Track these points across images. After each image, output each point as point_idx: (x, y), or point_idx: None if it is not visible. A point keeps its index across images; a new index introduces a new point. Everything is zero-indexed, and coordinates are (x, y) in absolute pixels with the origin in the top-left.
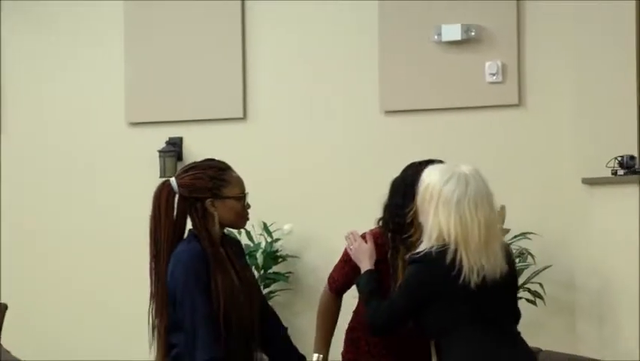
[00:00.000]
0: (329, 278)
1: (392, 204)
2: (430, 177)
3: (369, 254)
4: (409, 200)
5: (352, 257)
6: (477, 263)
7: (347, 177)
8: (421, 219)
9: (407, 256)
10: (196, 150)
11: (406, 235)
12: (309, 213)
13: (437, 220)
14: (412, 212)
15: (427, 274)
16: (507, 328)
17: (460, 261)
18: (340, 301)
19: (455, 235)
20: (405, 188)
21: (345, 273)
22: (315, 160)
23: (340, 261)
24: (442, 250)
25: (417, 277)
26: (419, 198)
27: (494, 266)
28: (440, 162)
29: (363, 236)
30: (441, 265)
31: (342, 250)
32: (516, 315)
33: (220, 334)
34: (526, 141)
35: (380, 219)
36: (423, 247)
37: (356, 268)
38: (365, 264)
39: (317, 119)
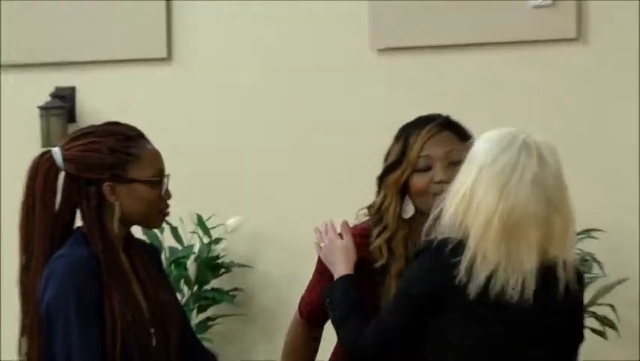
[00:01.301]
0: (300, 300)
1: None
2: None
3: (344, 254)
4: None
5: (322, 258)
6: (487, 263)
7: (322, 144)
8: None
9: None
10: (95, 105)
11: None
12: (266, 201)
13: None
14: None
15: (429, 269)
16: None
17: (464, 255)
18: (318, 333)
19: (456, 209)
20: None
21: (320, 290)
22: (274, 120)
23: (314, 273)
24: (446, 238)
25: (415, 272)
26: None
27: (517, 280)
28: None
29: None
30: (444, 257)
31: (317, 257)
32: None
33: None
34: (587, 90)
35: (369, 207)
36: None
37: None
38: (340, 267)
39: (275, 60)
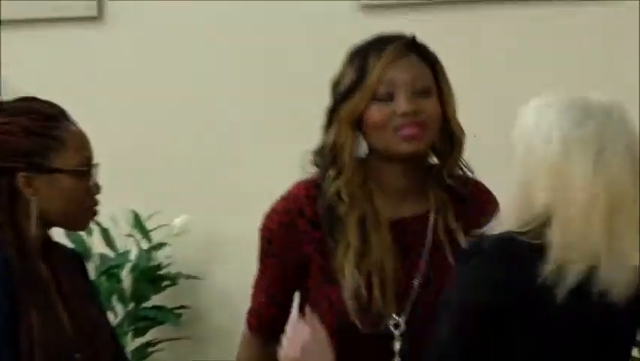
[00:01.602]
0: (248, 310)
1: None
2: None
3: (325, 346)
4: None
5: None
6: (582, 256)
7: (292, 119)
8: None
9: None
10: (7, 76)
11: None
12: (221, 195)
13: (520, 174)
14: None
15: (499, 271)
16: None
17: (550, 249)
18: (275, 349)
19: (544, 185)
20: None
21: (268, 296)
22: (231, 89)
23: (257, 277)
24: (519, 230)
25: (476, 277)
26: None
27: (620, 275)
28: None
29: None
30: (520, 254)
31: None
32: None
33: None
34: (618, 58)
35: (317, 152)
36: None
37: (284, 282)
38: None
39: (233, 16)
